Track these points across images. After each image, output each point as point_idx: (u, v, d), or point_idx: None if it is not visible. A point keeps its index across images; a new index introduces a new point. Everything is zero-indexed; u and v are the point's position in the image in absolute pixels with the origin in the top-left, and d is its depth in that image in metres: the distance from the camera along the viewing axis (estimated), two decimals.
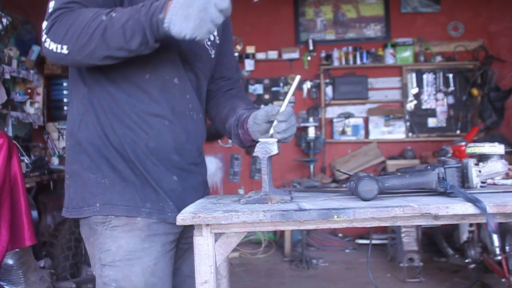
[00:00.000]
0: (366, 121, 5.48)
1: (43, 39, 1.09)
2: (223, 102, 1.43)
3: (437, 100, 5.45)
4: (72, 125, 1.25)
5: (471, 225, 3.52)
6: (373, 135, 5.44)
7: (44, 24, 1.10)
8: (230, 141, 1.44)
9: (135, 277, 1.17)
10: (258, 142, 1.24)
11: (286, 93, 5.58)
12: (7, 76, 3.73)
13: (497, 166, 1.24)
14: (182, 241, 1.33)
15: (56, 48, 1.07)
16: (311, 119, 5.13)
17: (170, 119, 1.24)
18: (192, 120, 1.30)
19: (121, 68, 1.18)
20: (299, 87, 5.57)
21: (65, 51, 1.07)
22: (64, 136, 1.41)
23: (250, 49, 5.52)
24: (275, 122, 1.17)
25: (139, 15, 1.05)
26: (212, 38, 1.36)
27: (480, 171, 1.23)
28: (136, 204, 1.19)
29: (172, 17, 1.02)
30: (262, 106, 1.27)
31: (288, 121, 1.17)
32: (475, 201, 1.02)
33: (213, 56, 1.38)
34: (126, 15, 1.06)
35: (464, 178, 1.22)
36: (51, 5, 1.10)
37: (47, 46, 1.09)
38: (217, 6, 1.04)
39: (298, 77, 1.21)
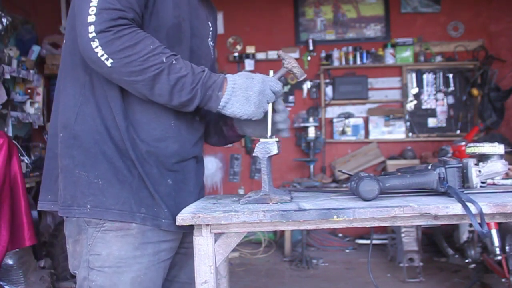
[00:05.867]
0: (366, 121, 5.48)
1: (90, 36, 1.01)
2: None
3: (437, 100, 5.45)
4: (68, 117, 1.15)
5: (471, 225, 3.52)
6: (373, 135, 5.44)
7: (91, 18, 1.00)
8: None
9: (123, 286, 1.12)
10: (242, 136, 1.30)
11: (285, 93, 5.58)
12: (7, 76, 3.73)
13: (497, 166, 1.24)
14: (179, 246, 1.28)
15: (102, 55, 1.01)
16: (311, 119, 5.13)
17: (176, 120, 1.19)
18: (193, 122, 1.27)
19: None
20: (299, 87, 5.57)
21: (109, 64, 1.02)
22: (49, 128, 1.28)
23: (250, 49, 5.52)
24: (270, 113, 1.20)
25: (197, 80, 1.07)
26: (210, 38, 1.36)
27: (480, 171, 1.23)
28: (131, 209, 1.13)
29: (230, 97, 1.09)
30: None
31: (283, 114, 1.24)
32: (465, 203, 1.02)
33: (213, 56, 1.38)
34: (185, 69, 1.06)
35: (464, 178, 1.21)
36: None
37: (93, 46, 1.01)
38: (272, 88, 1.14)
39: (271, 73, 1.23)
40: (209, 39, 1.33)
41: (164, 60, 1.04)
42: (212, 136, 1.37)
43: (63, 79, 1.19)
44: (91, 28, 1.01)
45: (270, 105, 1.18)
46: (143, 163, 1.14)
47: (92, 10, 1.01)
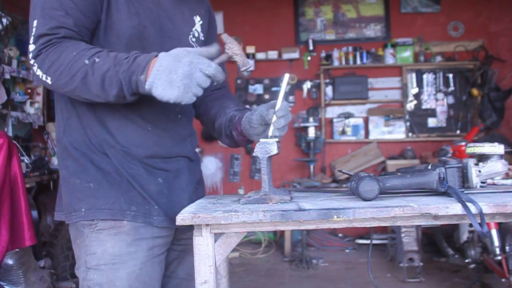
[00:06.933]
0: (366, 121, 5.48)
1: (31, 62, 1.09)
2: (211, 101, 1.41)
3: (437, 100, 5.45)
4: (59, 131, 1.24)
5: (471, 225, 3.52)
6: (373, 135, 5.44)
7: (31, 47, 1.08)
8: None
9: (120, 281, 1.16)
10: (252, 141, 1.26)
11: (285, 92, 5.58)
12: (7, 76, 3.73)
13: (497, 166, 1.24)
14: (174, 243, 1.31)
15: (42, 76, 1.08)
16: (311, 119, 5.13)
17: (154, 124, 1.22)
18: (177, 122, 1.28)
19: None
20: (299, 87, 5.58)
21: (49, 81, 1.08)
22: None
23: (250, 49, 5.52)
24: (274, 118, 1.18)
25: (119, 69, 1.04)
26: (196, 35, 1.33)
27: (480, 171, 1.22)
28: (121, 207, 1.17)
29: (154, 80, 1.02)
30: (254, 106, 1.25)
31: (286, 116, 1.18)
32: (464, 203, 1.02)
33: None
34: (107, 64, 1.05)
35: (464, 178, 1.21)
36: (35, 24, 1.09)
37: (35, 71, 1.09)
38: (203, 71, 1.03)
39: (286, 76, 1.19)
40: (191, 36, 1.31)
41: (86, 61, 1.05)
42: (224, 138, 1.37)
43: (55, 95, 1.27)
44: (30, 55, 1.09)
45: (277, 105, 1.17)
46: (128, 166, 1.19)
47: (32, 39, 1.09)
